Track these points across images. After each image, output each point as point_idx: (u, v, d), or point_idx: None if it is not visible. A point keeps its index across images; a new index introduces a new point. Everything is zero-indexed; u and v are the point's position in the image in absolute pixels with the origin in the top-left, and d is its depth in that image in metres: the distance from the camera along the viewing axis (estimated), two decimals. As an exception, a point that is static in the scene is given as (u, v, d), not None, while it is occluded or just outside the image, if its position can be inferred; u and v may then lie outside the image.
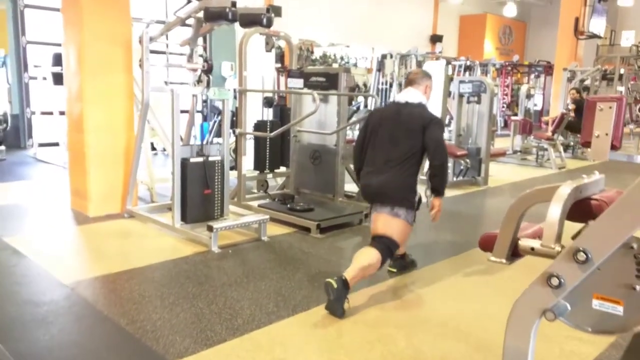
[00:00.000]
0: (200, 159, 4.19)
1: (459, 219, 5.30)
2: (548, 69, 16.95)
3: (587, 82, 11.90)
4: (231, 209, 5.02)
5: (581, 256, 1.35)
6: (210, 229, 3.89)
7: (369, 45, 18.45)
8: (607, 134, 2.41)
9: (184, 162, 4.13)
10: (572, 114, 9.47)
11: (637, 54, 14.02)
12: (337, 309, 2.86)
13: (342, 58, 18.30)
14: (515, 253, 1.87)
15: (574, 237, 1.69)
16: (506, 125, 13.95)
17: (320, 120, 5.53)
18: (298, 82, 5.46)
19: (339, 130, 5.29)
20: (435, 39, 19.54)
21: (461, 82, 7.04)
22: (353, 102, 13.77)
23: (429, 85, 3.44)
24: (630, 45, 17.45)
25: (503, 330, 1.54)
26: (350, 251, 4.13)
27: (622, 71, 13.40)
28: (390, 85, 12.24)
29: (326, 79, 5.36)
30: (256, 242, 4.17)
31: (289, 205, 4.77)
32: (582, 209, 1.68)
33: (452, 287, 3.41)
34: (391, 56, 12.33)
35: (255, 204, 5.09)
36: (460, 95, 7.04)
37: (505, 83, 17.17)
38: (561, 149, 9.22)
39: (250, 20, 4.18)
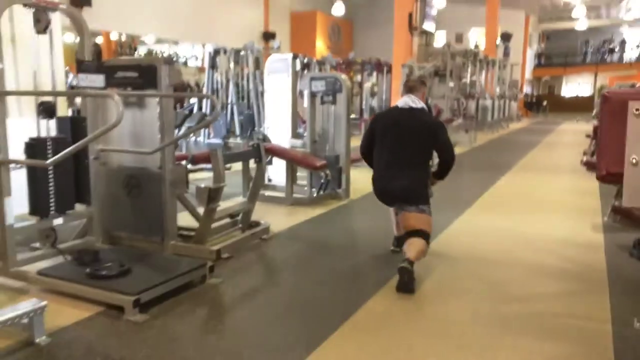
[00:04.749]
0: None
1: (330, 257, 4.09)
2: (379, 66, 17.08)
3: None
4: (-8, 283, 3.19)
5: None
6: None
7: (199, 42, 16.70)
8: (652, 158, 1.36)
9: None
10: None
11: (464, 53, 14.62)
12: (410, 287, 3.21)
13: (170, 56, 16.26)
14: None
15: None
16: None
17: (135, 132, 3.91)
18: (96, 80, 3.77)
19: (163, 147, 3.75)
20: (268, 36, 18.60)
21: (313, 78, 5.90)
22: (184, 104, 11.94)
23: (424, 92, 3.92)
24: (442, 45, 18.47)
25: None
26: (191, 342, 2.59)
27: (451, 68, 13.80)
28: (227, 84, 10.75)
29: (139, 74, 3.77)
30: (25, 350, 2.42)
31: (88, 270, 3.06)
32: None
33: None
34: (225, 52, 10.86)
35: (38, 266, 3.29)
36: (313, 95, 5.93)
37: (341, 81, 16.82)
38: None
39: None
